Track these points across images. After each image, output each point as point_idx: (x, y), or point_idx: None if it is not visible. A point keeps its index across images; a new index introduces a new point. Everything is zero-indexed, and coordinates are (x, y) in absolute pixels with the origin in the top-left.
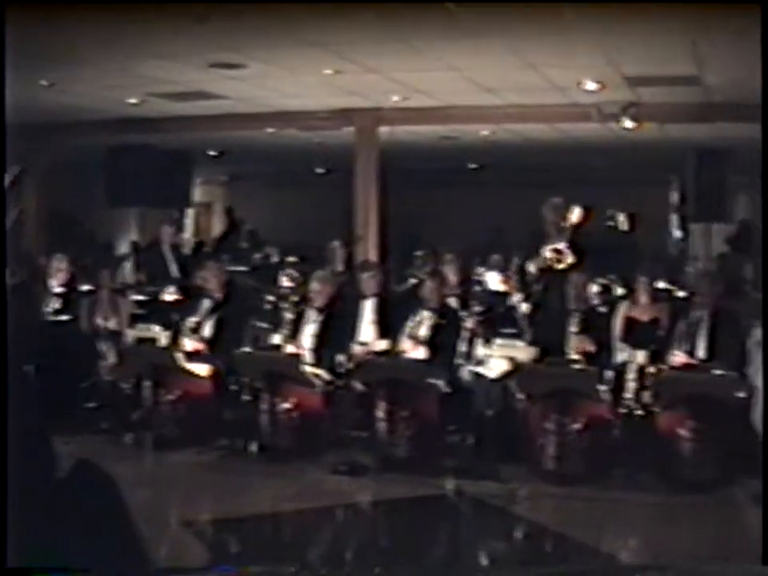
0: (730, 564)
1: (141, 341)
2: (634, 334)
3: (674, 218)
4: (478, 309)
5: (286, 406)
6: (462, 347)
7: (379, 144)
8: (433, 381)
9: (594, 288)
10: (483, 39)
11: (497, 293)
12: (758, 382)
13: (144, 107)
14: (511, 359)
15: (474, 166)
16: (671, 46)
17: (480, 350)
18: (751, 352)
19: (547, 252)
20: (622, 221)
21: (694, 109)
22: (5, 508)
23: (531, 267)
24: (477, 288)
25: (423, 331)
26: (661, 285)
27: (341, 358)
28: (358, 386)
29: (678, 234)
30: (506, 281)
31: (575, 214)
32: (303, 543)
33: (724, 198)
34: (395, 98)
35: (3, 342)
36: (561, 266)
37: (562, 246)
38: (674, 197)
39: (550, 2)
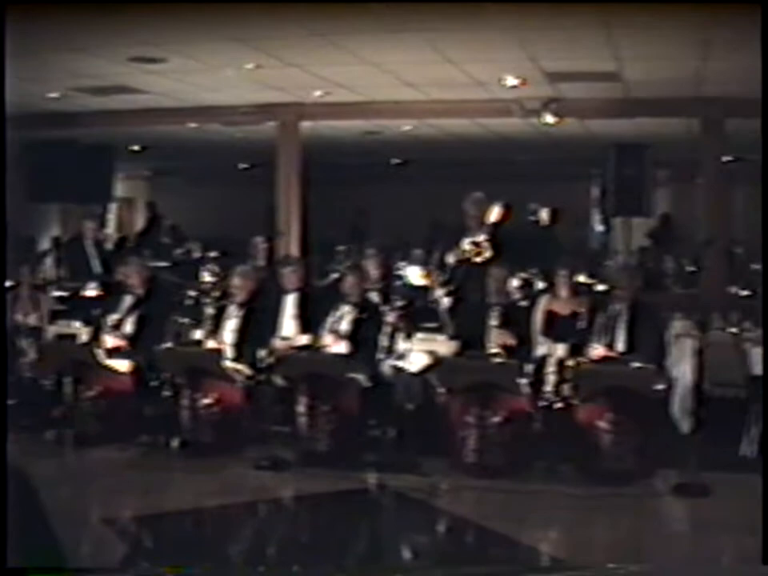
0: (730, 565)
1: (61, 337)
2: (554, 327)
3: (596, 213)
4: (398, 303)
5: (208, 401)
6: (383, 341)
7: (301, 139)
8: (354, 375)
9: (515, 282)
10: (403, 35)
11: (418, 287)
12: (677, 373)
13: (65, 101)
14: (432, 353)
15: (397, 160)
16: (591, 43)
17: (401, 345)
18: (670, 345)
19: (466, 245)
20: (544, 215)
21: (613, 104)
22: (5, 508)
23: (450, 259)
24: (398, 282)
25: (344, 326)
26: (581, 279)
27: (262, 352)
28: (280, 381)
29: (599, 228)
30: (426, 275)
31: (496, 209)
32: (225, 539)
33: (644, 192)
34: (317, 93)
35: (3, 343)
36: (479, 259)
37: (480, 238)
38: (596, 191)
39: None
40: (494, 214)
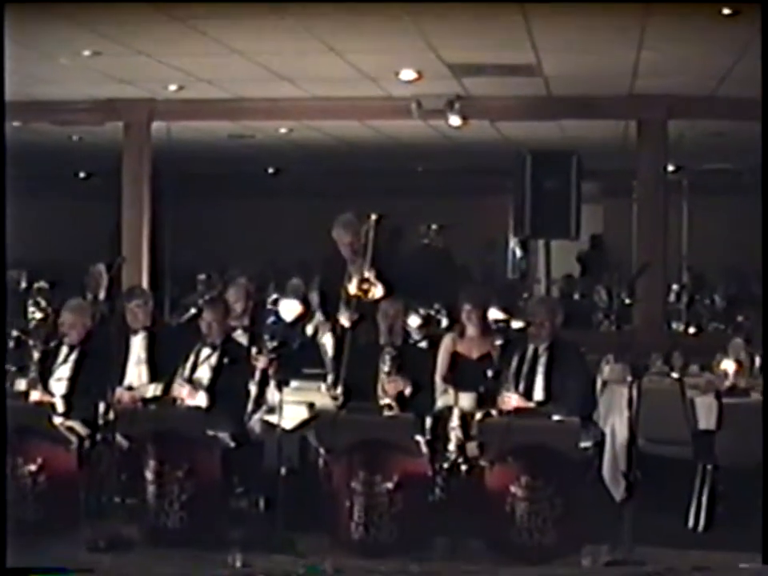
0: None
1: None
2: (460, 373)
3: (511, 234)
4: (270, 344)
5: (32, 468)
6: (251, 392)
7: (153, 143)
8: (215, 433)
9: (413, 320)
10: (273, 18)
11: (294, 325)
12: (607, 428)
13: None
14: (311, 405)
15: (270, 170)
16: (503, 30)
17: (272, 395)
18: (598, 393)
19: (353, 286)
20: (436, 236)
21: (532, 103)
22: (4, 508)
23: (343, 313)
24: (270, 319)
25: (204, 373)
26: (493, 314)
27: (101, 406)
28: (123, 441)
29: (515, 252)
30: (305, 311)
31: (371, 231)
32: None
33: (568, 209)
34: (172, 87)
35: (3, 342)
36: (370, 297)
37: (366, 274)
38: (511, 208)
39: None
40: (371, 231)
